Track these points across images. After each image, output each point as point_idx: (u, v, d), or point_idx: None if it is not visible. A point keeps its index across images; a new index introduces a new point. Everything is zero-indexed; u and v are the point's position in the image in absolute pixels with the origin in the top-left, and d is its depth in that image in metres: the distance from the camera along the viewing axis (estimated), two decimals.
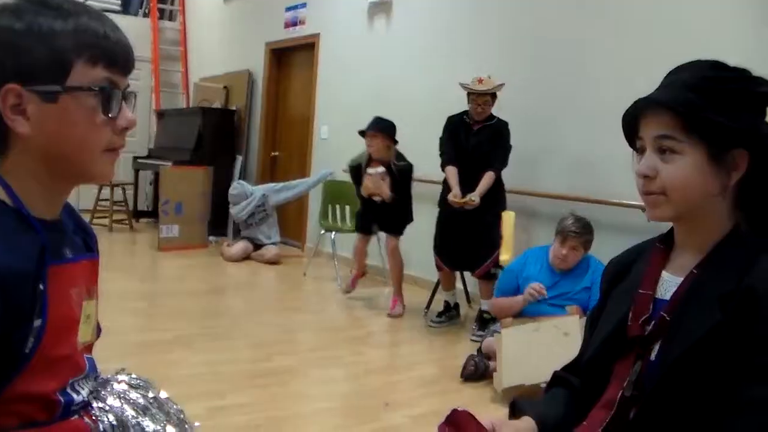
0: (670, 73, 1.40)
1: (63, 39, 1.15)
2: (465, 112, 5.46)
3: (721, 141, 1.31)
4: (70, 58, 1.16)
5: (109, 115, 1.20)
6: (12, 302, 1.08)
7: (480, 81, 5.30)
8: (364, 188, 5.82)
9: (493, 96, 5.34)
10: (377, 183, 5.73)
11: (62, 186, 1.26)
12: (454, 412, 1.47)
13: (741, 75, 1.34)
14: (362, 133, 5.79)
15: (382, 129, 5.70)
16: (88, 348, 1.34)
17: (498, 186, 5.35)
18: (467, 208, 5.20)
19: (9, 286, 1.08)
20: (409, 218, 5.93)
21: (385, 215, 5.88)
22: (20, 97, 1.14)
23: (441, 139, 5.55)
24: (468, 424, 1.44)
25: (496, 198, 5.35)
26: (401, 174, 5.75)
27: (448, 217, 5.47)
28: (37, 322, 1.13)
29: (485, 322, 5.34)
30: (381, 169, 5.75)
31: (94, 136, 1.21)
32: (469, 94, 5.33)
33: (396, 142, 5.76)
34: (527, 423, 1.51)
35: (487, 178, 5.22)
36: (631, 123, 1.42)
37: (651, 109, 1.36)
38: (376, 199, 5.75)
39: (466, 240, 5.40)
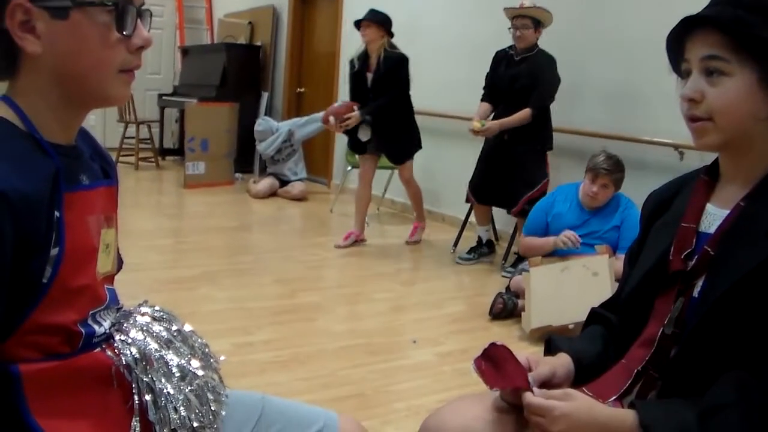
0: None
1: None
2: (512, 46, 5.31)
3: None
4: None
5: (124, 33, 1.14)
6: (26, 229, 1.04)
7: (521, 6, 5.15)
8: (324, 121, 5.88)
9: (536, 22, 5.12)
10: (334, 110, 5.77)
11: (76, 109, 1.21)
12: (492, 346, 1.43)
13: None
14: (357, 25, 5.74)
15: (375, 19, 5.65)
16: (109, 279, 1.30)
17: (540, 123, 5.18)
18: (487, 135, 5.21)
19: (22, 212, 1.03)
20: (414, 141, 5.85)
21: (387, 140, 5.82)
22: (29, 13, 1.08)
23: (486, 74, 5.45)
24: (505, 359, 1.40)
25: (535, 135, 5.18)
26: (387, 62, 5.60)
27: (488, 152, 5.40)
28: (54, 251, 1.09)
29: (521, 258, 5.30)
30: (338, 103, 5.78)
31: (107, 55, 1.14)
32: (510, 19, 5.18)
33: (391, 35, 5.69)
34: (563, 359, 1.47)
35: (519, 114, 5.09)
36: (676, 45, 1.34)
37: (698, 27, 1.28)
38: (347, 123, 5.71)
39: (502, 176, 5.30)
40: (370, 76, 5.71)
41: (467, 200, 5.62)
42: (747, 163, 1.32)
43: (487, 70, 5.45)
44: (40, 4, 1.08)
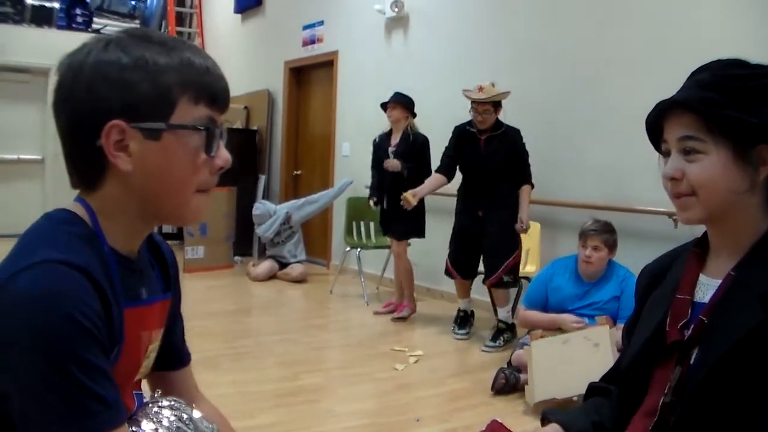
0: (691, 74, 1.39)
1: (169, 75, 1.12)
2: (470, 122, 5.42)
3: (745, 137, 1.29)
4: (175, 95, 1.13)
5: (211, 154, 1.18)
6: (110, 329, 1.09)
7: (480, 89, 5.25)
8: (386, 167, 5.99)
9: (496, 105, 5.26)
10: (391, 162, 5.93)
11: (147, 224, 1.25)
12: (494, 422, 1.45)
13: (761, 71, 1.32)
14: (383, 107, 6.06)
15: (400, 101, 5.96)
16: (138, 383, 1.32)
17: (508, 195, 5.31)
18: (406, 206, 5.44)
19: (112, 312, 1.08)
20: (419, 226, 5.97)
21: (394, 219, 5.97)
22: (123, 133, 1.12)
23: (446, 147, 5.58)
24: None
25: (507, 207, 5.29)
26: (413, 138, 5.93)
27: (465, 228, 5.47)
28: (111, 358, 1.11)
29: (500, 331, 5.36)
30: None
31: (193, 176, 1.18)
32: (471, 102, 5.30)
33: (414, 115, 6.02)
34: (551, 429, 1.49)
35: (526, 193, 5.27)
36: (655, 126, 1.40)
37: (672, 110, 1.35)
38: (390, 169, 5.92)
39: (480, 250, 5.43)
40: (391, 150, 5.99)
41: (449, 275, 5.65)
42: (733, 235, 1.36)
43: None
44: (135, 125, 1.11)
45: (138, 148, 1.12)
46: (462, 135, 5.46)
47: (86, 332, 1.01)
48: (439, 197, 6.01)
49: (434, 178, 5.55)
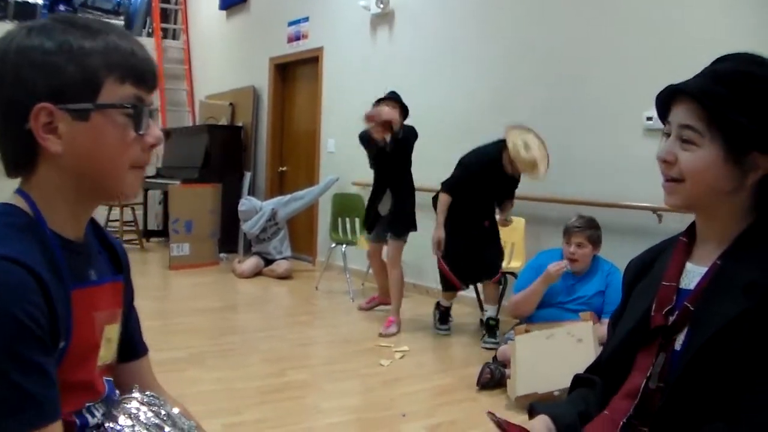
0: (715, 60, 1.39)
1: (93, 57, 1.16)
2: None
3: (740, 141, 1.30)
4: (100, 76, 1.16)
5: (140, 132, 1.21)
6: (54, 315, 1.09)
7: (526, 146, 5.12)
8: (367, 118, 5.70)
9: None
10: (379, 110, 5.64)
11: (88, 204, 1.27)
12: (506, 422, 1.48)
13: None
14: (378, 103, 5.79)
15: (395, 98, 5.75)
16: (109, 369, 1.33)
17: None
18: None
19: (53, 298, 1.09)
20: (411, 221, 5.87)
21: (394, 218, 5.88)
22: (52, 115, 1.14)
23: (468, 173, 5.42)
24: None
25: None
26: (401, 135, 5.64)
27: (471, 241, 5.46)
28: (61, 344, 1.13)
29: (491, 328, 5.40)
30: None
31: (124, 154, 1.21)
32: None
33: (406, 114, 5.75)
34: (540, 420, 1.51)
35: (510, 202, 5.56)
36: (664, 105, 1.42)
37: (680, 95, 1.36)
38: (376, 136, 5.66)
39: (482, 253, 5.48)
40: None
41: (452, 288, 5.63)
42: (719, 226, 1.39)
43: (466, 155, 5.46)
44: (63, 106, 1.14)
45: (67, 130, 1.16)
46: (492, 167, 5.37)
47: (25, 329, 1.03)
48: (426, 192, 6.00)
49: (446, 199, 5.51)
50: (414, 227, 5.88)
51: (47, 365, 1.06)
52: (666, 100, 1.40)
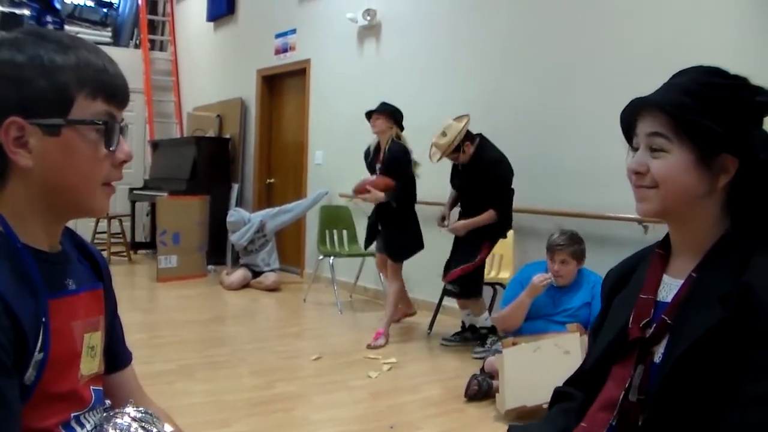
0: (672, 76, 1.43)
1: (65, 72, 1.16)
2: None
3: (709, 144, 1.33)
4: (72, 92, 1.16)
5: (111, 149, 1.21)
6: (17, 330, 1.09)
7: (443, 134, 5.24)
8: (356, 193, 5.84)
9: (460, 146, 5.26)
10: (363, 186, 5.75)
11: (58, 218, 1.27)
12: None
13: (735, 83, 1.36)
14: (368, 116, 5.82)
15: (384, 110, 5.74)
16: (97, 379, 1.33)
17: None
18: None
19: (14, 313, 1.09)
20: (415, 239, 5.83)
21: (386, 234, 5.89)
22: (22, 129, 1.15)
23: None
24: None
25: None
26: (390, 153, 5.67)
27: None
28: (39, 356, 1.13)
29: (483, 337, 5.42)
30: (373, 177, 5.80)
31: (95, 170, 1.21)
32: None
33: (401, 127, 5.76)
34: None
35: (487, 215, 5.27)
36: (629, 121, 1.45)
37: (646, 108, 1.39)
38: (365, 196, 5.75)
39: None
40: (378, 167, 5.81)
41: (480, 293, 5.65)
42: (692, 236, 1.41)
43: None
44: (33, 121, 1.15)
45: (38, 144, 1.16)
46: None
47: None
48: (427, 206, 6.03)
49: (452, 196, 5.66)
50: (412, 250, 5.86)
51: (3, 387, 1.05)
52: (631, 115, 1.43)
